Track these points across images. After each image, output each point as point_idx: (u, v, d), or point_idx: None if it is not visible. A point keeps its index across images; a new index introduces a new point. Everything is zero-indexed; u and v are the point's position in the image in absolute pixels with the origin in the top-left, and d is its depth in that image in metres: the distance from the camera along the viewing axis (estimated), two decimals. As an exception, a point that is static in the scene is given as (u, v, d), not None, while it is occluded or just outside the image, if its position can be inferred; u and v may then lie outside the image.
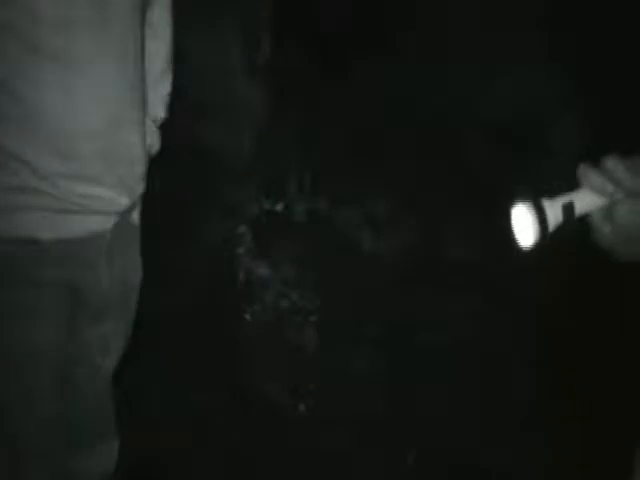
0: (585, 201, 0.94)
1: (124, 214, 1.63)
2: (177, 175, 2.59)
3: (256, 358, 2.69)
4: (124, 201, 1.60)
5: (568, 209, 0.93)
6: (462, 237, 2.85)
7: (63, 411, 1.69)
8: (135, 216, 1.72)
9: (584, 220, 0.95)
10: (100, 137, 1.52)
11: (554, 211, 0.93)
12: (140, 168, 1.63)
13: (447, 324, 2.69)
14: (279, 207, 3.03)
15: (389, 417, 2.50)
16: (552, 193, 0.94)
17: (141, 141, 1.62)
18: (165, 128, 1.80)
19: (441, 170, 2.85)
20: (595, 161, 0.92)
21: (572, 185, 0.94)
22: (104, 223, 1.60)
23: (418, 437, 2.45)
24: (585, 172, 0.93)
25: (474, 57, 2.85)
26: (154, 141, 1.78)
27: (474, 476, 2.35)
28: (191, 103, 2.71)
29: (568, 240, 0.94)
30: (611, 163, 0.92)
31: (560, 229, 0.93)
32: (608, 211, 0.94)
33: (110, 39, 1.50)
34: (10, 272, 1.55)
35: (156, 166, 1.77)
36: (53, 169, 1.49)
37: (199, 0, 2.85)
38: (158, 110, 1.76)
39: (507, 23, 2.84)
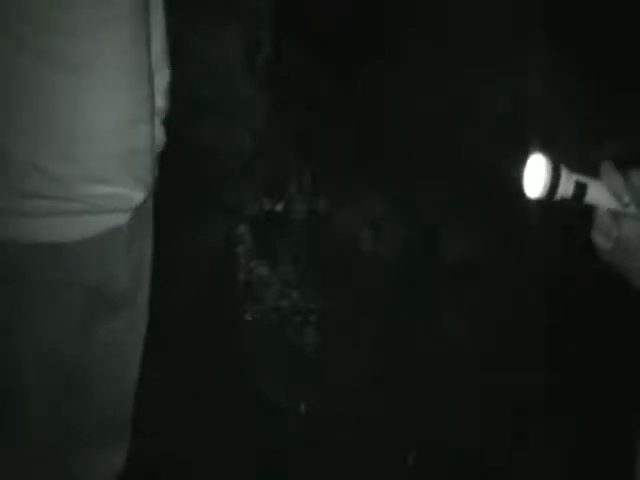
0: (597, 194, 0.92)
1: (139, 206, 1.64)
2: (177, 175, 2.59)
3: (256, 358, 2.69)
4: (139, 196, 1.60)
5: (581, 188, 0.92)
6: (462, 237, 2.85)
7: (75, 412, 1.68)
8: (148, 200, 1.72)
9: (589, 209, 0.94)
10: (114, 138, 1.51)
11: (568, 182, 0.92)
12: (150, 159, 1.63)
13: (447, 324, 2.69)
14: (279, 207, 3.02)
15: (389, 417, 2.50)
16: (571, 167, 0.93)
17: (151, 134, 1.62)
18: (165, 127, 1.79)
19: (441, 170, 2.85)
20: (619, 164, 0.91)
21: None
22: (121, 219, 1.60)
23: (418, 437, 2.45)
24: (608, 171, 0.92)
25: (475, 57, 2.85)
26: (160, 136, 1.77)
27: (474, 476, 2.35)
28: (191, 103, 2.70)
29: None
30: (636, 179, 0.90)
31: (564, 202, 0.93)
32: (616, 218, 0.93)
33: (119, 38, 1.49)
34: (29, 277, 1.54)
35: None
36: (68, 173, 1.48)
37: (200, 0, 2.85)
38: (157, 100, 1.73)
39: (507, 23, 2.84)
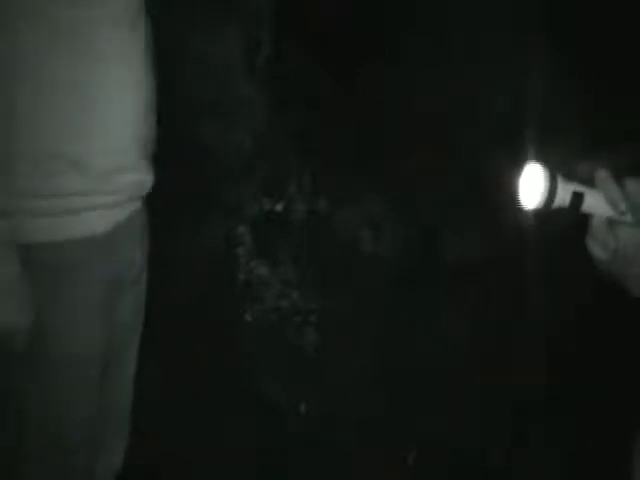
0: (594, 203, 0.91)
1: None
2: (177, 175, 2.59)
3: (256, 358, 2.69)
4: (150, 182, 1.69)
5: (577, 198, 0.90)
6: (462, 237, 2.85)
7: (75, 412, 1.69)
8: None
9: (585, 218, 0.93)
10: (138, 126, 1.58)
11: (564, 192, 0.90)
12: (152, 145, 1.70)
13: (447, 324, 2.69)
14: (279, 207, 3.02)
15: (389, 417, 2.50)
16: (567, 175, 0.91)
17: (154, 122, 1.69)
18: (166, 127, 1.80)
19: (441, 170, 2.85)
20: (619, 165, 0.90)
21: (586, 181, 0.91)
22: (140, 203, 1.69)
23: (418, 437, 2.45)
24: (604, 180, 0.91)
25: (475, 57, 2.85)
26: None
27: (474, 476, 2.35)
28: (191, 103, 2.71)
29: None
30: (632, 187, 0.90)
31: (560, 212, 0.91)
32: (612, 226, 0.92)
33: (118, 37, 1.54)
34: (71, 275, 1.57)
35: (155, 165, 1.77)
36: (106, 167, 1.53)
37: (200, 0, 2.85)
38: None
39: (507, 23, 2.84)
